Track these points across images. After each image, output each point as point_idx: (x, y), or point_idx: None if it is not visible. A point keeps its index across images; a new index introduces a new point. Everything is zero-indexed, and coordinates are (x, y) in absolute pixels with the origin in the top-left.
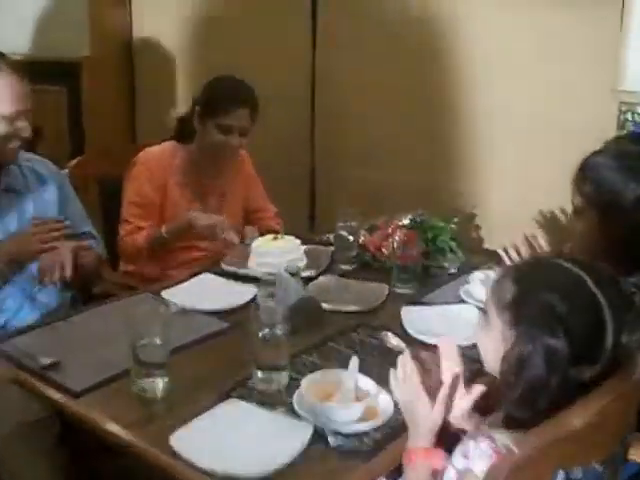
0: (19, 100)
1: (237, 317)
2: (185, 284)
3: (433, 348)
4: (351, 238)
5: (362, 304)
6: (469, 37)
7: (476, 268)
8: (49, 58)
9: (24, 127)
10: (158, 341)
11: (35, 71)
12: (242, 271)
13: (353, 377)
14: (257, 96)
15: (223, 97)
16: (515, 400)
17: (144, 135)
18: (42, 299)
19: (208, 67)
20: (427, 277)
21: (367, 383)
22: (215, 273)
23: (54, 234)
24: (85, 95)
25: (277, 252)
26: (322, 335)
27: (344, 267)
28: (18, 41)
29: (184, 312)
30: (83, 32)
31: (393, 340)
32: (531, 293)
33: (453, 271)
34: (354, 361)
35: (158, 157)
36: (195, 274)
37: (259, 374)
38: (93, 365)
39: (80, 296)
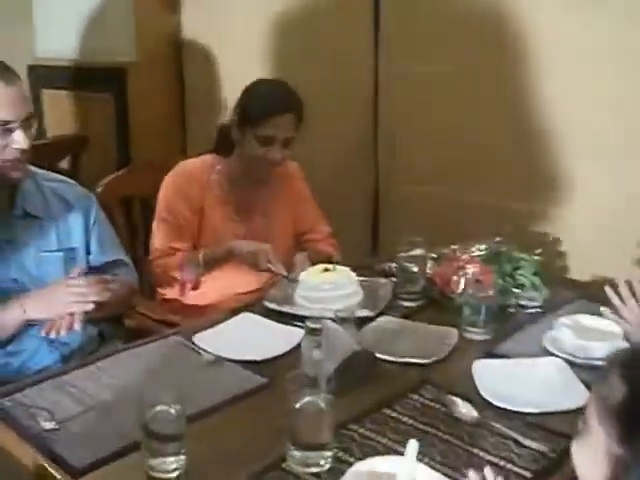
0: (8, 106)
1: (278, 369)
2: (221, 326)
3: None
4: (415, 269)
5: (426, 354)
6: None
7: (562, 306)
8: (94, 64)
9: (19, 138)
10: (172, 410)
11: (80, 78)
12: (287, 309)
13: (411, 470)
14: (302, 101)
15: (262, 104)
16: None
17: (196, 145)
18: (62, 339)
19: (264, 73)
20: (503, 318)
21: (429, 477)
22: (258, 312)
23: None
24: (132, 103)
25: (328, 287)
26: (376, 397)
27: (407, 304)
28: (63, 47)
29: (217, 362)
30: (129, 36)
31: (462, 408)
32: None
33: (535, 310)
34: (412, 447)
35: (194, 171)
36: (234, 312)
37: (295, 453)
38: (101, 432)
39: (111, 330)
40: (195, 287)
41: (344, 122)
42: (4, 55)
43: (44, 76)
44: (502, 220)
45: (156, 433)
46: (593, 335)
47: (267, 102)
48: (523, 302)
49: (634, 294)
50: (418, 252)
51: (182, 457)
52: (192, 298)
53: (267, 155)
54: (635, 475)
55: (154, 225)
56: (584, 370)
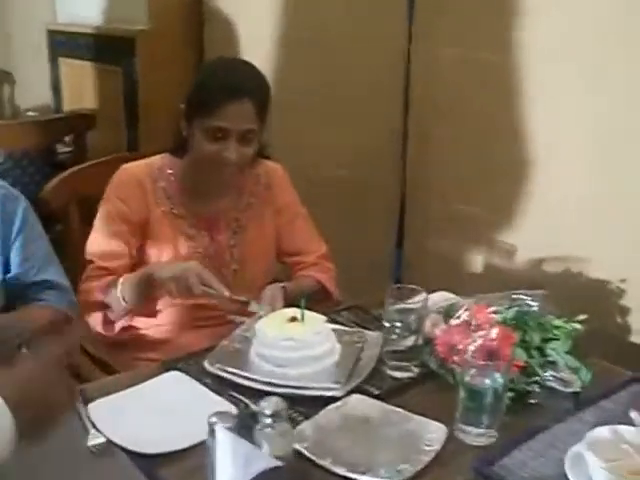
0: None
1: (177, 471)
2: (135, 389)
3: None
4: (399, 324)
5: (387, 467)
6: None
7: (610, 395)
8: (106, 32)
9: None
10: None
11: (94, 47)
12: (224, 374)
13: None
14: (266, 85)
15: (210, 87)
16: None
17: None
18: None
19: (288, 46)
20: (520, 411)
21: None
22: (193, 372)
23: None
24: (140, 77)
25: (287, 345)
26: None
27: (395, 375)
28: (83, 12)
29: (105, 449)
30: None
31: None
32: None
33: (566, 397)
34: None
35: (138, 176)
36: (165, 366)
37: None
38: None
39: None
40: (149, 314)
41: (366, 117)
42: (26, 19)
43: (62, 43)
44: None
45: None
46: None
47: (216, 86)
48: (554, 386)
49: None
50: (416, 303)
51: None
52: (147, 330)
53: (220, 154)
54: None
55: (89, 239)
56: None
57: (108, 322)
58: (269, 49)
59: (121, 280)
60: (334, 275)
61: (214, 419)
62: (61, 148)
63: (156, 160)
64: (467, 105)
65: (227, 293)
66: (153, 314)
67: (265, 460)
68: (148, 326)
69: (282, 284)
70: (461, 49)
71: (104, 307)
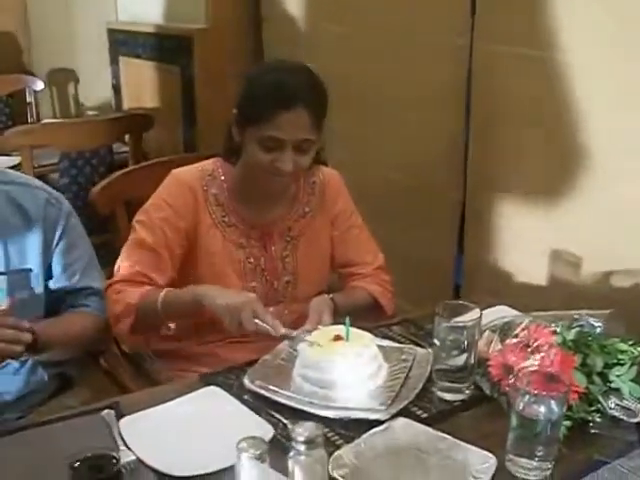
0: None
1: None
2: (168, 405)
3: None
4: (449, 342)
5: None
6: None
7: None
8: (166, 31)
9: None
10: None
11: (154, 46)
12: (264, 392)
13: None
14: (324, 93)
15: (264, 95)
16: None
17: None
18: None
19: (347, 44)
20: (579, 440)
21: None
22: (232, 389)
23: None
24: (198, 76)
25: (327, 365)
26: None
27: (444, 397)
28: (142, 12)
29: (130, 469)
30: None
31: None
32: None
33: (630, 428)
34: None
35: (190, 182)
36: (207, 381)
37: None
38: None
39: (76, 374)
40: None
41: (425, 122)
42: (89, 18)
43: (122, 42)
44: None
45: None
46: None
47: (270, 94)
48: (616, 415)
49: None
50: (469, 320)
51: None
52: (190, 341)
53: (274, 164)
54: None
55: (126, 243)
56: None
57: (136, 332)
58: (327, 48)
59: (162, 294)
60: (390, 288)
61: (243, 444)
62: (119, 148)
63: (207, 165)
64: (532, 108)
65: (283, 330)
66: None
67: None
68: (188, 338)
69: (330, 296)
70: (524, 47)
71: (136, 313)
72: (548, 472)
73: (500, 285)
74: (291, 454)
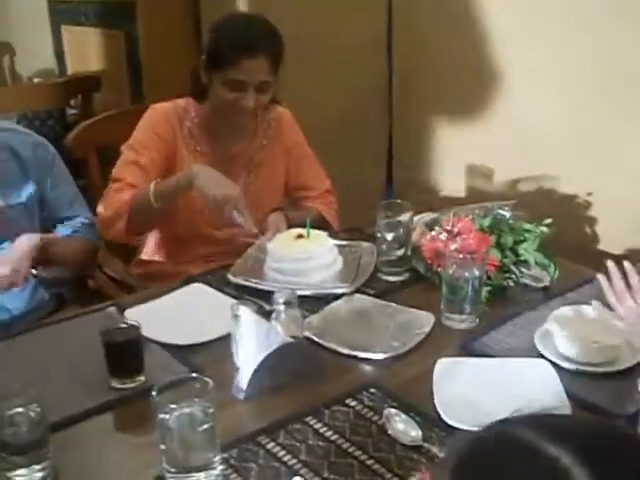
0: None
1: (209, 358)
2: (163, 299)
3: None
4: (390, 237)
5: (385, 346)
6: None
7: (575, 288)
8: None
9: None
10: (32, 414)
11: (95, 14)
12: (248, 283)
13: None
14: (281, 40)
15: (229, 44)
16: None
17: None
18: (5, 304)
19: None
20: (499, 301)
21: None
22: (215, 285)
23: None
24: (142, 39)
25: (298, 256)
26: (305, 402)
27: (389, 279)
28: None
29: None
30: None
31: (399, 424)
32: None
33: (537, 291)
34: None
35: (167, 114)
36: (187, 281)
37: (168, 475)
38: None
39: (71, 293)
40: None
41: (357, 64)
42: None
43: (62, 11)
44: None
45: (8, 442)
46: (594, 332)
47: (235, 42)
48: (526, 282)
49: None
50: (404, 217)
51: (41, 470)
52: (163, 264)
53: (239, 102)
54: None
55: (117, 165)
56: (575, 379)
57: (131, 231)
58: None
59: (152, 184)
60: (335, 208)
61: (241, 305)
62: (70, 111)
63: (180, 102)
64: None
65: (253, 229)
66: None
67: (282, 337)
68: (165, 260)
69: (283, 212)
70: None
71: (129, 211)
72: (475, 323)
73: (426, 202)
74: (273, 315)
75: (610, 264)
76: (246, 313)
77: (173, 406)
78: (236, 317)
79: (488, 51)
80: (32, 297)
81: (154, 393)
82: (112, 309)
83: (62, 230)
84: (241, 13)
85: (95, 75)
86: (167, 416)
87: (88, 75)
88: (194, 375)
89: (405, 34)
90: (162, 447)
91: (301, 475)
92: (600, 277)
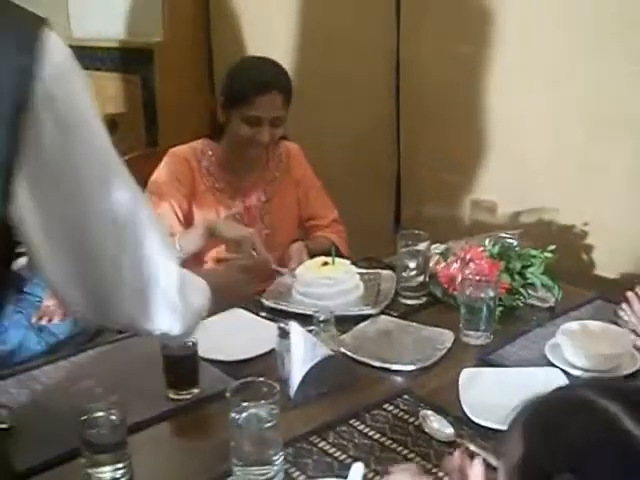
0: None
1: (253, 372)
2: (207, 322)
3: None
4: (412, 264)
5: (413, 360)
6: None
7: (577, 307)
8: (124, 45)
9: None
10: (113, 416)
11: (112, 59)
12: (280, 306)
13: None
14: (289, 79)
15: (247, 83)
16: None
17: None
18: (51, 328)
19: (291, 52)
20: (509, 321)
21: None
22: (251, 309)
23: None
24: (159, 84)
25: (325, 282)
26: (347, 407)
27: (408, 302)
28: (97, 29)
29: None
30: (157, 16)
31: (435, 423)
32: (540, 461)
33: (543, 310)
34: (356, 471)
35: (186, 157)
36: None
37: (238, 469)
38: (52, 435)
39: None
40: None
41: (365, 102)
42: None
43: (81, 57)
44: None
45: (92, 442)
46: (599, 344)
47: (252, 81)
48: (533, 302)
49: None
50: (421, 246)
51: (121, 467)
52: None
53: (256, 136)
54: None
55: None
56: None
57: None
58: (275, 46)
59: (177, 235)
60: (344, 236)
61: (290, 322)
62: None
63: (197, 144)
64: (451, 90)
65: (274, 265)
66: (200, 264)
67: (326, 350)
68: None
69: (304, 242)
70: (443, 42)
71: None
72: (490, 339)
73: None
74: (314, 331)
75: (629, 293)
76: (296, 328)
77: (245, 404)
78: (284, 333)
79: (489, 93)
80: (75, 323)
81: (228, 394)
82: None
83: None
84: (253, 57)
85: (112, 118)
86: (237, 415)
87: (105, 118)
88: (261, 379)
89: (411, 72)
90: (232, 444)
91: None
92: (624, 306)
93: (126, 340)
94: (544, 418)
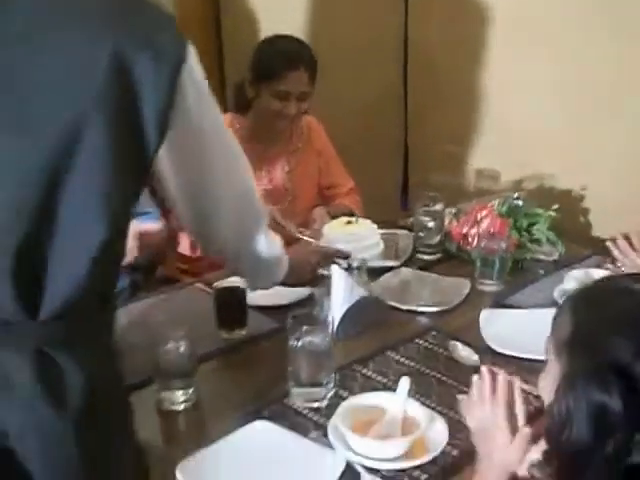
0: None
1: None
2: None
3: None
4: (431, 224)
5: (436, 303)
6: None
7: (578, 261)
8: None
9: None
10: (182, 348)
11: None
12: None
13: (401, 404)
14: (315, 56)
15: (276, 60)
16: (555, 471)
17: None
18: None
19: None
20: (519, 272)
21: (418, 411)
22: None
23: None
24: None
25: (350, 238)
26: (382, 341)
27: (425, 257)
28: None
29: None
30: None
31: (463, 352)
32: (589, 332)
33: (548, 263)
34: (404, 383)
35: None
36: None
37: (295, 390)
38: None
39: (141, 281)
40: None
41: (374, 73)
42: None
43: None
44: (523, 174)
45: (165, 369)
46: None
47: (282, 57)
48: (539, 256)
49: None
50: (437, 207)
51: (190, 391)
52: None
53: (284, 110)
54: (564, 401)
55: None
56: None
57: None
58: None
59: None
60: (361, 206)
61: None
62: None
63: (225, 118)
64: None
65: (295, 232)
66: None
67: (362, 291)
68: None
69: (324, 207)
70: (451, 23)
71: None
72: (502, 287)
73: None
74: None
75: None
76: (337, 270)
77: (303, 330)
78: (324, 275)
79: (493, 68)
80: (123, 278)
81: (289, 320)
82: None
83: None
84: (282, 35)
85: None
86: (296, 342)
87: None
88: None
89: (418, 51)
90: (289, 368)
91: (393, 390)
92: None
93: (176, 292)
94: (591, 298)
